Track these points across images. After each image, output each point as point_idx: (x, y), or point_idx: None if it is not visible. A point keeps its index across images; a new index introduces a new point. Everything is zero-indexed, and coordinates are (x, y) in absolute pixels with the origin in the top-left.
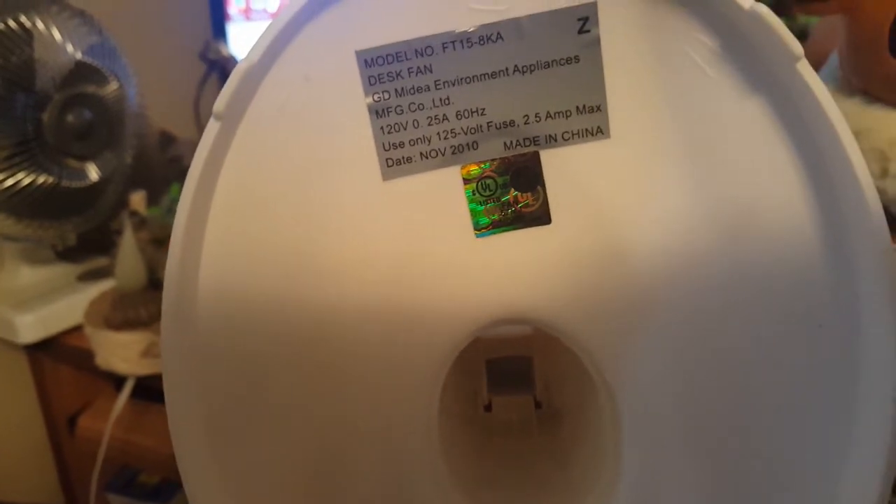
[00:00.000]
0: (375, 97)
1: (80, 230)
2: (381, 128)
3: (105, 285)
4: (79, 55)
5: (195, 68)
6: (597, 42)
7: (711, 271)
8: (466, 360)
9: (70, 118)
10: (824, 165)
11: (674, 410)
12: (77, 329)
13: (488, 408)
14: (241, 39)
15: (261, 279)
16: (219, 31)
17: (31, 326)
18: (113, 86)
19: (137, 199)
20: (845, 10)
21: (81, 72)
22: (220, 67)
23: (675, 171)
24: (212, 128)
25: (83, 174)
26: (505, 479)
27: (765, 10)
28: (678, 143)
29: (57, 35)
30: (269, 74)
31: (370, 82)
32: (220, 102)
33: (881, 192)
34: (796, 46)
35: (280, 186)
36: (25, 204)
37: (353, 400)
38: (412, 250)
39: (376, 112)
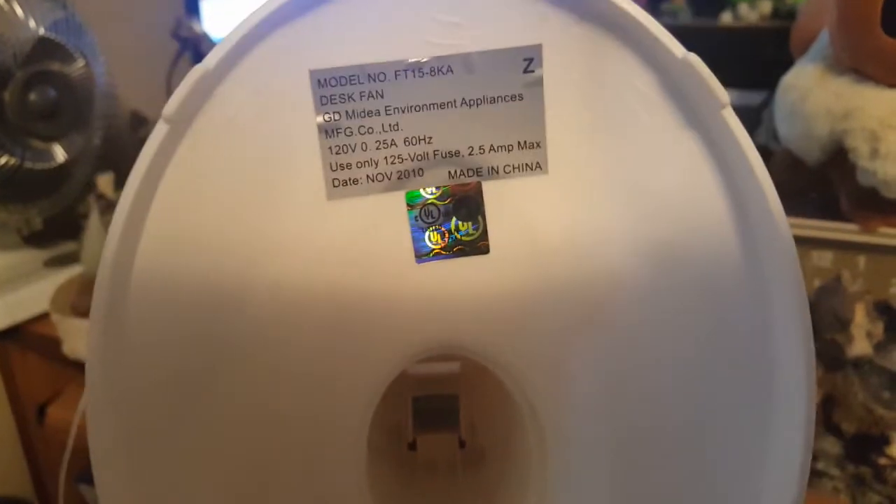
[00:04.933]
0: (326, 117)
1: (46, 214)
2: (330, 148)
3: (73, 271)
4: (42, 31)
5: (167, 46)
6: (540, 82)
7: (640, 300)
8: (393, 397)
9: (33, 97)
10: (745, 204)
11: (601, 439)
12: (45, 316)
13: (412, 445)
14: (215, 16)
15: (196, 287)
16: (192, 7)
17: None
18: (79, 63)
19: (104, 182)
20: None
21: (45, 48)
22: (193, 45)
23: (608, 208)
24: (160, 130)
25: (48, 155)
26: None
27: (696, 60)
28: (613, 181)
29: (18, 9)
30: (222, 83)
31: (322, 102)
32: (172, 105)
33: (871, 174)
34: (723, 94)
35: (222, 196)
36: None
37: (284, 423)
38: (352, 272)
39: (326, 132)
